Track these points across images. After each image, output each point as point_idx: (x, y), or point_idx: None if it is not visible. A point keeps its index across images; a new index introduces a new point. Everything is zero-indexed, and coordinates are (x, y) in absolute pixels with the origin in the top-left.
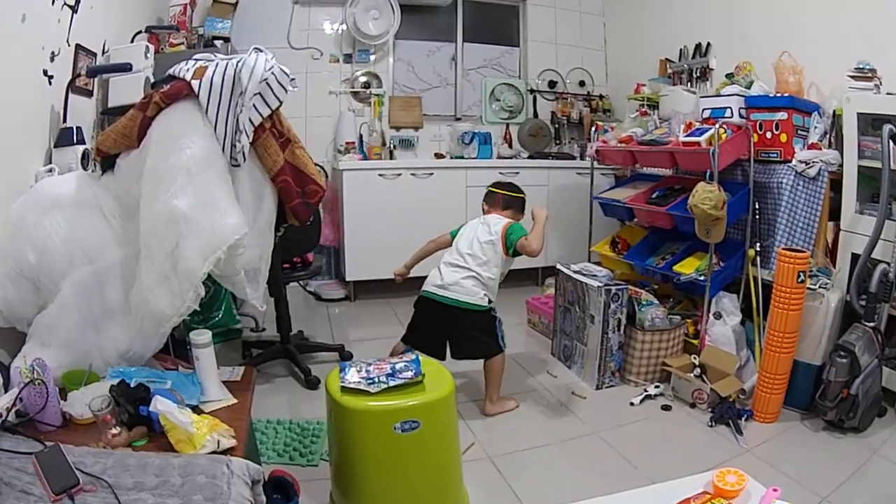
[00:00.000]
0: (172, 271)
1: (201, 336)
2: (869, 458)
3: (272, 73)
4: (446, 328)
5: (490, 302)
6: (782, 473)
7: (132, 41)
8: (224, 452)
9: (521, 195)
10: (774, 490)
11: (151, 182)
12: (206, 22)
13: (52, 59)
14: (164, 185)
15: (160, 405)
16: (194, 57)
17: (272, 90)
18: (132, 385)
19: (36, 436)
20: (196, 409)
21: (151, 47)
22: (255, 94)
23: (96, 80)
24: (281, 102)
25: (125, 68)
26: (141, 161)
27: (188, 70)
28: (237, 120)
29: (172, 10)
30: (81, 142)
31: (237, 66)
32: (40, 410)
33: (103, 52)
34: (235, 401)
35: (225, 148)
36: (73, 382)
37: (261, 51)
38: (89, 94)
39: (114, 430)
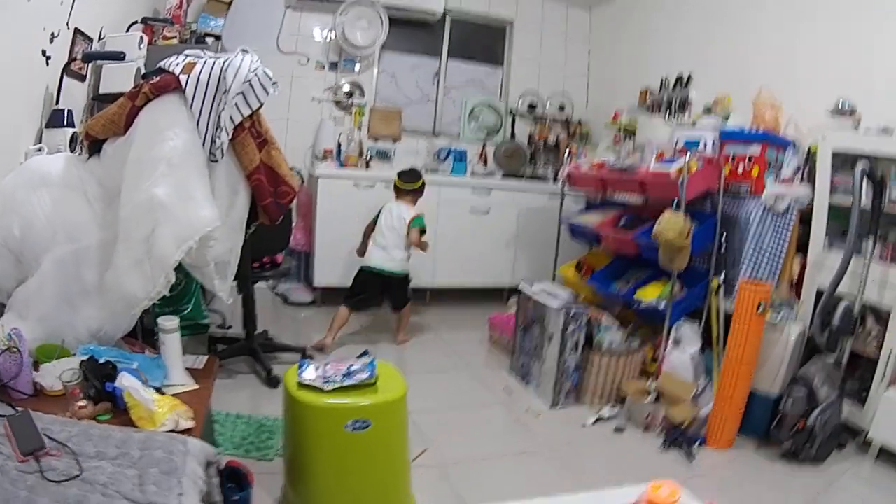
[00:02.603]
0: (146, 256)
1: (169, 322)
2: (824, 489)
3: (256, 74)
4: (384, 291)
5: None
6: (729, 499)
7: (128, 30)
8: (182, 432)
9: (419, 188)
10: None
11: (134, 169)
12: (200, 18)
13: (51, 41)
14: (146, 174)
15: (125, 381)
16: (185, 52)
17: (254, 91)
18: (101, 362)
19: (8, 401)
20: (159, 391)
21: (145, 38)
22: (238, 94)
23: (90, 65)
24: (262, 104)
25: (119, 56)
26: (126, 148)
27: (178, 65)
28: (219, 117)
29: (169, 2)
30: (72, 125)
31: (224, 65)
32: (14, 378)
33: (99, 39)
34: (197, 387)
35: (205, 143)
36: (45, 356)
37: (247, 52)
38: (82, 78)
39: (81, 403)
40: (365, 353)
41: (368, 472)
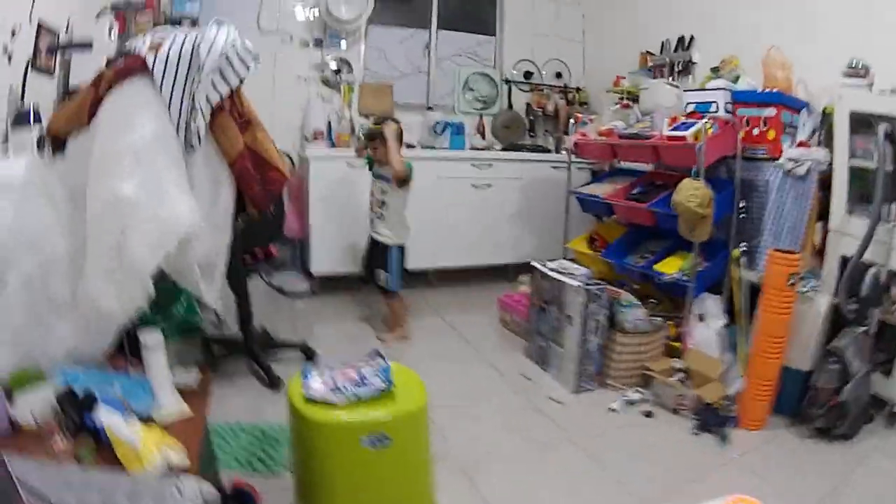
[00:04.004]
0: (117, 264)
1: (152, 337)
2: (857, 466)
3: (234, 46)
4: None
5: None
6: (769, 483)
7: (97, 18)
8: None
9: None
10: None
11: (98, 166)
12: (174, 1)
13: (12, 36)
14: (111, 169)
15: (104, 417)
16: (152, 31)
17: (233, 66)
18: (78, 390)
19: None
20: (147, 420)
21: (116, 24)
22: (214, 70)
23: (57, 59)
24: (242, 80)
25: (86, 45)
26: (89, 143)
27: (144, 44)
28: (193, 98)
29: None
30: (39, 122)
31: (196, 39)
32: None
33: (66, 30)
34: (189, 411)
35: (179, 129)
36: (20, 383)
37: (222, 23)
38: (51, 73)
39: (58, 441)
40: (377, 354)
41: (389, 489)
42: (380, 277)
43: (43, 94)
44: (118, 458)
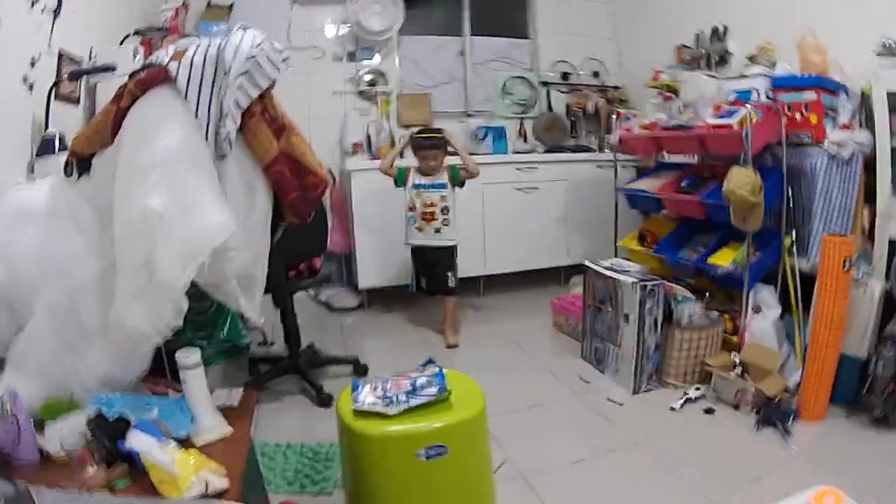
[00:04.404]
0: (147, 283)
1: (189, 357)
2: None
3: (262, 49)
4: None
5: None
6: (837, 475)
7: (121, 45)
8: (217, 495)
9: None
10: None
11: (124, 181)
12: (200, 26)
13: (32, 66)
14: (137, 183)
15: (136, 442)
16: (176, 42)
17: (262, 68)
18: (112, 415)
19: (9, 475)
20: (186, 442)
21: (141, 49)
22: (242, 74)
23: (83, 87)
24: (273, 82)
25: (109, 69)
26: (115, 159)
27: (167, 54)
28: (221, 104)
29: (164, 14)
30: (65, 150)
31: (221, 44)
32: (12, 447)
33: (90, 59)
34: (231, 431)
35: (208, 137)
36: (51, 413)
37: (248, 28)
38: (76, 101)
39: (91, 470)
40: (430, 362)
41: (447, 501)
42: (450, 280)
43: (68, 122)
44: (154, 485)
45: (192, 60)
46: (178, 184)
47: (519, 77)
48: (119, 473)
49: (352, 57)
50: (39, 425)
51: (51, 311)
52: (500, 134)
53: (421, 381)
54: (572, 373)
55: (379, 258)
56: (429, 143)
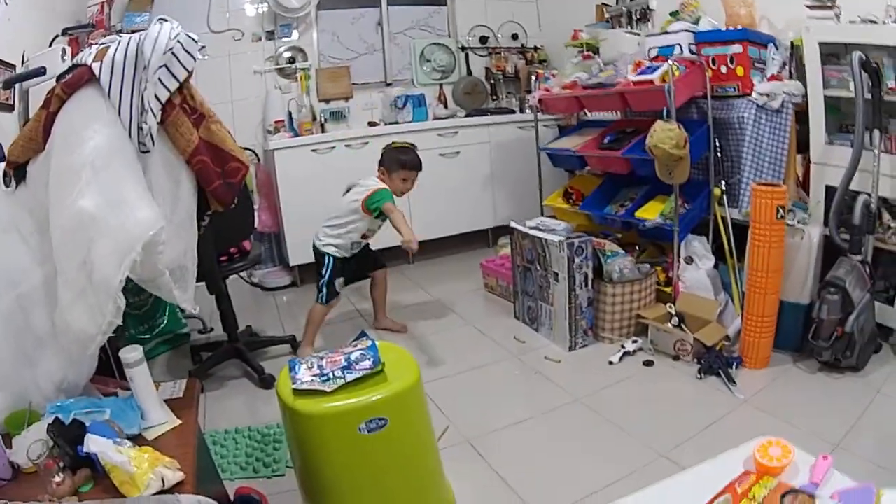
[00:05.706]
0: (88, 283)
1: (131, 354)
2: (873, 397)
3: (178, 41)
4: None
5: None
6: (786, 422)
7: (50, 46)
8: (174, 487)
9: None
10: (825, 458)
11: (57, 184)
12: (125, 17)
13: None
14: (69, 186)
15: (93, 445)
16: (100, 40)
17: (179, 60)
18: (68, 421)
19: None
20: (139, 439)
21: (69, 49)
22: (161, 67)
23: (17, 92)
24: (190, 73)
25: (38, 73)
26: (47, 164)
27: (90, 54)
28: (142, 99)
29: (90, 10)
30: (3, 159)
31: (140, 39)
32: None
33: (23, 63)
34: (180, 422)
35: (132, 133)
36: (16, 426)
37: (165, 20)
38: (10, 108)
39: (57, 479)
40: (363, 335)
41: (395, 472)
42: (378, 261)
43: (4, 130)
44: (116, 486)
45: (113, 59)
46: (107, 182)
47: (437, 44)
48: (82, 479)
49: (271, 35)
50: (6, 439)
51: (4, 321)
52: (419, 101)
53: (355, 355)
54: (507, 334)
55: (308, 234)
56: (419, 162)
